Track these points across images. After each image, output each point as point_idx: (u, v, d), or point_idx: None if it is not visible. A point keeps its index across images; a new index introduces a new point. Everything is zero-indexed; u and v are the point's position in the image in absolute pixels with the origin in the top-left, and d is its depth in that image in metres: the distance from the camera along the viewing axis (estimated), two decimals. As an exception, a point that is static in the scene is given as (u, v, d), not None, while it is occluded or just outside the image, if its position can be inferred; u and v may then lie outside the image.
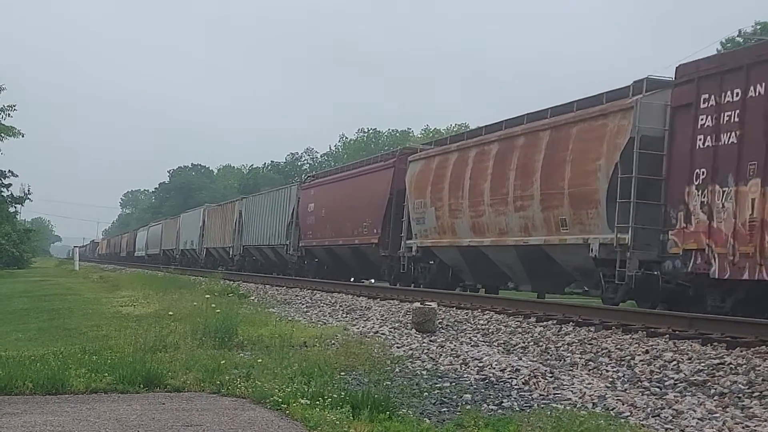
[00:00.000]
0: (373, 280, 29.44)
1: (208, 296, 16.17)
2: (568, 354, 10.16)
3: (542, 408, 6.99)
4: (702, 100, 13.57)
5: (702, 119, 13.55)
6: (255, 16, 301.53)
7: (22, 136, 44.12)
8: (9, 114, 43.10)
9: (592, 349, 10.34)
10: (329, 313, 16.46)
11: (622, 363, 9.37)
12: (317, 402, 6.70)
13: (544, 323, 12.93)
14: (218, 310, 11.75)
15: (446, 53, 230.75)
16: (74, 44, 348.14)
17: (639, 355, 9.64)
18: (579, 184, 16.41)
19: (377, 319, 14.66)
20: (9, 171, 45.67)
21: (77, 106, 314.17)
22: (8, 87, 46.00)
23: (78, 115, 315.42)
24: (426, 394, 7.60)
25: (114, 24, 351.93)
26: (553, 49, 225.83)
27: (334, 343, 10.83)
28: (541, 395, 7.72)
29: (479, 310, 15.05)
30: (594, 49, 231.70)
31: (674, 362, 9.06)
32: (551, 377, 8.49)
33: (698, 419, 6.63)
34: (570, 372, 8.95)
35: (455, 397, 7.53)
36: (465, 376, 8.72)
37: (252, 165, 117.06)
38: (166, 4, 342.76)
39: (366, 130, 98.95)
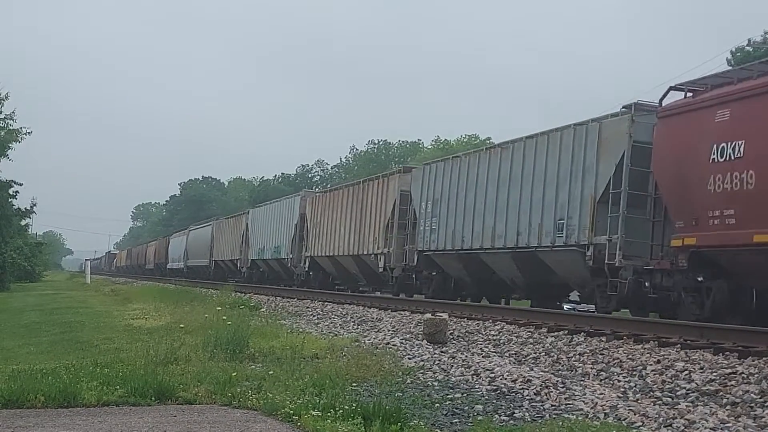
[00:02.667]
0: None
1: (219, 308, 16.24)
2: (580, 364, 10.13)
3: (554, 418, 6.97)
4: None
5: None
6: (260, 30, 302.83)
7: (29, 134, 43.97)
8: (12, 118, 43.14)
9: (603, 359, 10.32)
10: (340, 325, 16.46)
11: (634, 373, 9.34)
12: (329, 413, 6.70)
13: (556, 333, 12.90)
14: (229, 323, 11.78)
15: (452, 63, 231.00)
16: (87, 58, 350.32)
17: (651, 364, 9.60)
18: None
19: (388, 331, 14.65)
20: (12, 180, 45.50)
21: (87, 119, 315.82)
22: (19, 99, 46.26)
23: (88, 129, 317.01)
24: (437, 405, 7.58)
25: (125, 36, 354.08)
26: (563, 60, 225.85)
27: (345, 355, 10.83)
28: (552, 406, 7.70)
29: (490, 321, 15.03)
30: (601, 65, 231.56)
31: (686, 372, 9.03)
32: (563, 388, 8.46)
33: (710, 429, 6.61)
34: (582, 382, 8.93)
35: (467, 407, 7.52)
36: (476, 386, 8.71)
37: (263, 177, 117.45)
38: (173, 15, 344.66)
39: (376, 142, 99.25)
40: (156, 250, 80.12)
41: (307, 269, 35.30)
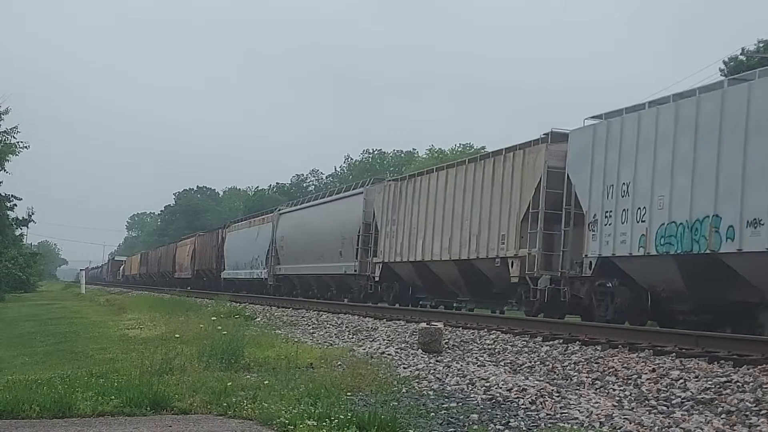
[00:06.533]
0: None
1: (215, 318, 16.20)
2: (575, 373, 10.14)
3: (549, 427, 6.97)
4: None
5: None
6: (257, 41, 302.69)
7: (27, 148, 43.83)
8: (13, 135, 42.95)
9: (598, 368, 10.33)
10: (335, 334, 16.44)
11: (629, 382, 9.36)
12: (324, 423, 6.68)
13: (551, 342, 12.92)
14: (224, 332, 11.76)
15: (450, 72, 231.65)
16: (82, 67, 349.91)
17: (646, 373, 9.62)
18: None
19: (383, 340, 14.64)
20: (12, 195, 45.47)
21: (82, 129, 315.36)
22: (14, 108, 46.03)
23: (84, 139, 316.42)
24: (433, 414, 7.58)
25: (121, 47, 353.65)
26: (561, 68, 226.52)
27: (340, 364, 10.82)
28: (548, 415, 7.70)
29: (485, 330, 15.04)
30: (605, 68, 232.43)
31: (681, 380, 9.05)
32: (558, 397, 8.47)
33: (706, 438, 6.62)
34: (577, 391, 8.93)
35: (462, 417, 7.51)
36: (472, 396, 8.70)
37: (257, 187, 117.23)
38: (171, 25, 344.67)
39: (371, 151, 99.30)
40: (194, 251, 55.64)
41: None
